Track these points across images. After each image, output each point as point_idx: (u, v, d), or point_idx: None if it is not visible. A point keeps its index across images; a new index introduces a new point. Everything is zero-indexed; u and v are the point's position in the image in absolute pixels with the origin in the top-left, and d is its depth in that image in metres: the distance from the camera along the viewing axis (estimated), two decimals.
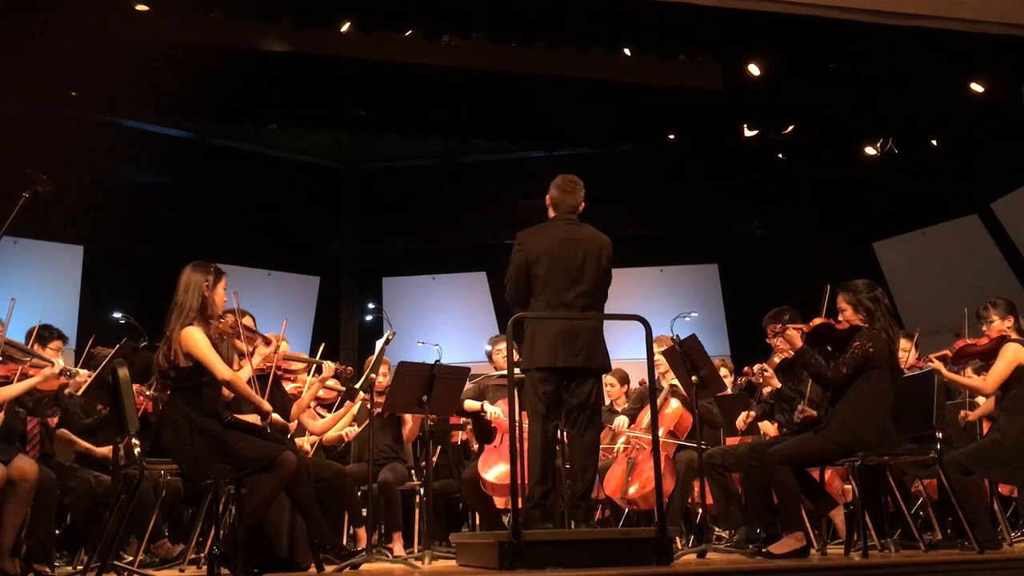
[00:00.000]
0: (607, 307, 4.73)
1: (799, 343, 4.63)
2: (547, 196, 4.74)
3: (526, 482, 4.38)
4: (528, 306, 4.53)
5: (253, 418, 4.50)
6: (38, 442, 5.04)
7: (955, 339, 5.31)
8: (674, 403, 5.92)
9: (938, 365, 5.08)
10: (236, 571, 3.89)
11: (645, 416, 5.99)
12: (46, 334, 5.15)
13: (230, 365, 4.37)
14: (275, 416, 4.61)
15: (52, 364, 4.59)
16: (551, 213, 4.71)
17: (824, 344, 4.74)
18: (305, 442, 5.93)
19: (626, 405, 6.53)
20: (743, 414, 5.77)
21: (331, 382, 5.57)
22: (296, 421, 5.41)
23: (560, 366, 4.41)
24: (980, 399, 5.55)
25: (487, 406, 5.79)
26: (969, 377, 5.41)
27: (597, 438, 4.63)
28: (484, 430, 5.85)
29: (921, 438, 4.79)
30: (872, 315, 4.59)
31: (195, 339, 4.05)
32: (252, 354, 4.57)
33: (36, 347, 4.94)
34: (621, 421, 6.11)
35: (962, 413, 5.55)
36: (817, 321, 4.67)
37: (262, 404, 4.39)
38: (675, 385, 5.84)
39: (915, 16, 6.67)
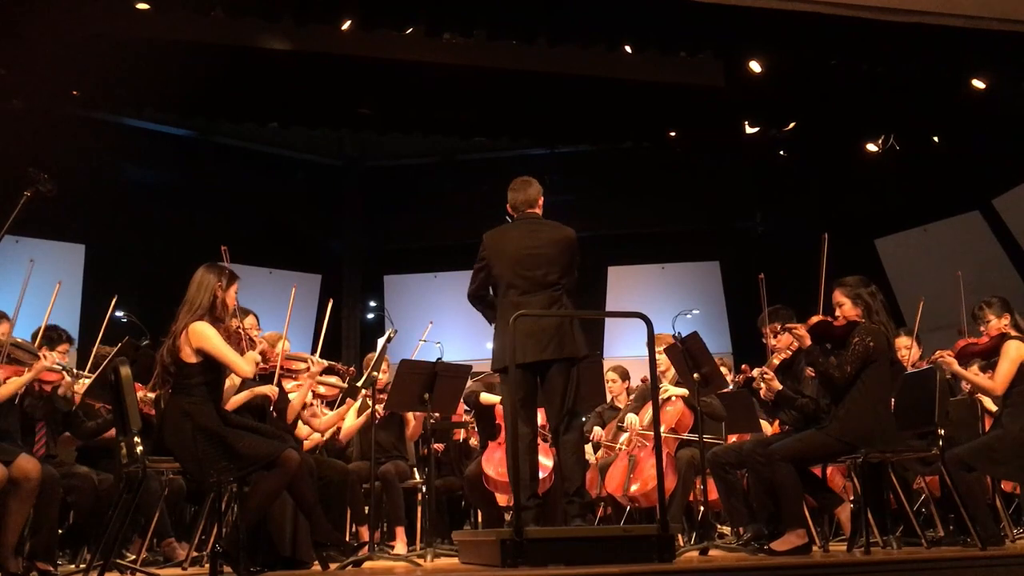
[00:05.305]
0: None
1: (808, 341, 4.62)
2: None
3: (527, 481, 4.38)
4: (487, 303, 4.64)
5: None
6: (44, 444, 5.03)
7: (958, 337, 5.30)
8: (676, 400, 5.92)
9: (950, 360, 5.07)
10: (239, 569, 3.90)
11: (647, 414, 5.99)
12: (54, 336, 5.13)
13: None
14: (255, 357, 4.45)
15: (39, 357, 4.57)
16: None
17: (822, 342, 4.74)
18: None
19: (629, 402, 6.53)
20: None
21: (332, 379, 5.55)
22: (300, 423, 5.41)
23: (533, 360, 4.40)
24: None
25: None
26: (978, 375, 5.39)
27: (581, 435, 4.67)
28: (489, 426, 5.85)
29: (924, 435, 4.79)
30: (870, 309, 4.60)
31: (208, 335, 4.02)
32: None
33: (44, 349, 4.94)
34: (632, 419, 6.10)
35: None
36: (815, 319, 4.67)
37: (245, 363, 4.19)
38: (670, 397, 5.85)
39: (916, 12, 6.66)
